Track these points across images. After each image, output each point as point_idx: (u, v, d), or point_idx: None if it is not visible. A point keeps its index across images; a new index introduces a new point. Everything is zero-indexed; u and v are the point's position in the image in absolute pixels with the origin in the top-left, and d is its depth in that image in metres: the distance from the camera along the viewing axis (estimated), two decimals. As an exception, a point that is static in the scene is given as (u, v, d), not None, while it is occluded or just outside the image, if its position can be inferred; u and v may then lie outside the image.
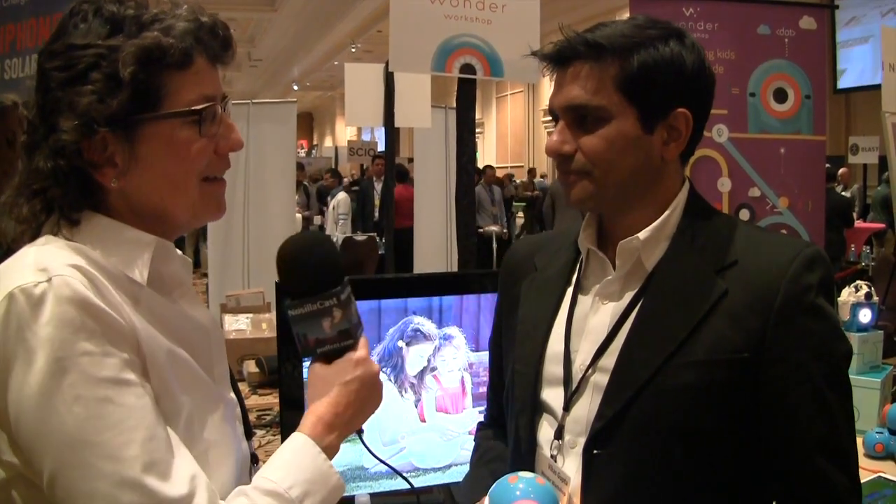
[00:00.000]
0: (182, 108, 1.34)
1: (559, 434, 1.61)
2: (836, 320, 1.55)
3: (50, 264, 1.22)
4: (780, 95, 4.92)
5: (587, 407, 1.58)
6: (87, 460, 1.17)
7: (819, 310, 1.50)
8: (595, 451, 1.54)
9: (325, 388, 1.43)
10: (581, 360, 1.61)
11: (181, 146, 1.35)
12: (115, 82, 1.28)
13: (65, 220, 1.31)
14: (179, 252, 1.46)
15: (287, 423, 2.05)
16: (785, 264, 1.50)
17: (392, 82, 7.82)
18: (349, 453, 2.08)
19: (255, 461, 1.64)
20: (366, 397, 1.45)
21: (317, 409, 1.41)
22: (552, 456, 1.61)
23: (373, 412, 1.49)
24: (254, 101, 8.76)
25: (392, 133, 8.23)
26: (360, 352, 1.46)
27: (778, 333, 1.48)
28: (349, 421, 1.43)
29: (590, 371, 1.59)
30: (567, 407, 1.61)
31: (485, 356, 2.18)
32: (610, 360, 1.56)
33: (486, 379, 2.18)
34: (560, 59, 1.58)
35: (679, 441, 1.50)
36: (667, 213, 1.59)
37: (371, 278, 2.25)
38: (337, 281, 1.46)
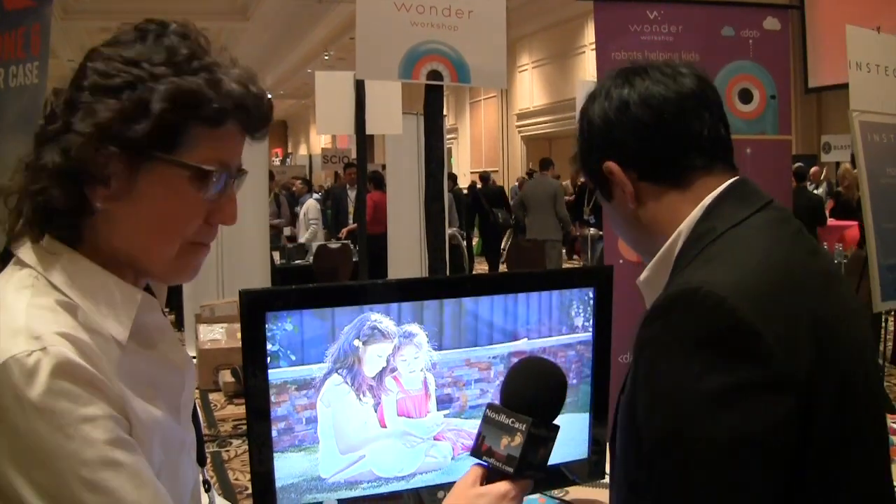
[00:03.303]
0: (193, 163, 1.32)
1: None
2: (661, 385, 1.34)
3: (42, 331, 1.20)
4: (745, 96, 4.96)
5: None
6: None
7: (642, 373, 1.40)
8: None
9: (463, 500, 1.50)
10: None
11: (178, 198, 1.33)
12: (143, 110, 1.26)
13: (50, 243, 1.31)
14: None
15: (254, 433, 2.04)
16: (649, 309, 1.43)
17: (363, 90, 7.82)
18: (304, 462, 2.06)
19: (207, 488, 1.65)
20: None
21: None
22: None
23: None
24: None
25: (363, 140, 8.22)
26: (513, 489, 1.49)
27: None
28: None
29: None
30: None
31: (449, 355, 2.17)
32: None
33: (451, 379, 2.18)
34: None
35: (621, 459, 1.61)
36: (661, 252, 1.56)
37: (340, 285, 2.29)
38: (542, 418, 1.49)
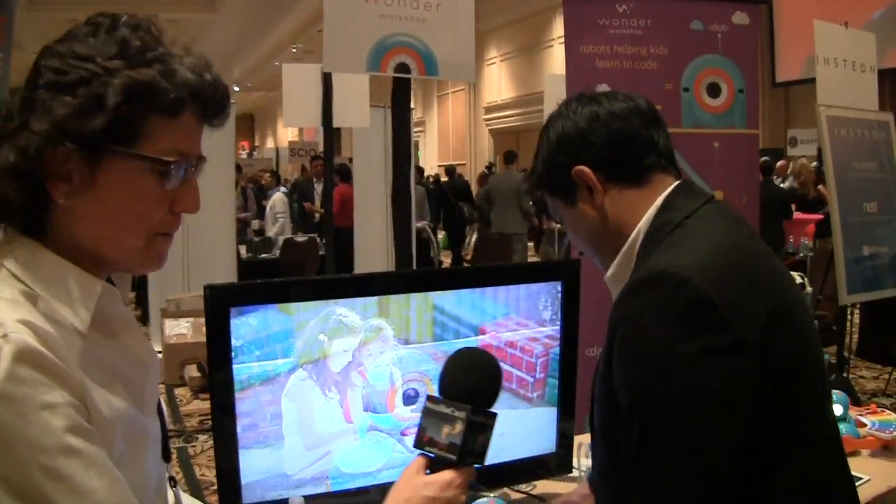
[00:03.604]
0: (152, 155, 1.31)
1: None
2: (638, 352, 1.54)
3: (3, 319, 1.19)
4: (714, 90, 4.96)
5: None
6: None
7: (619, 344, 1.58)
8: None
9: (408, 491, 1.52)
10: None
11: (139, 191, 1.32)
12: (98, 105, 1.25)
13: (9, 234, 1.30)
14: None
15: (219, 429, 2.02)
16: (622, 291, 1.62)
17: (330, 82, 7.79)
18: (268, 459, 2.05)
19: (173, 484, 1.64)
20: None
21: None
22: None
23: None
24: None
25: (330, 133, 8.19)
26: (457, 477, 1.52)
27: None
28: None
29: None
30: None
31: (416, 350, 2.16)
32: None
33: (416, 376, 2.17)
34: None
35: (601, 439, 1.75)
36: (625, 247, 1.75)
37: (312, 279, 2.26)
38: (481, 406, 1.54)
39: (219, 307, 1.94)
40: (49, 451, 1.16)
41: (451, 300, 2.19)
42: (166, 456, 1.60)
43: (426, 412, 1.55)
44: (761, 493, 1.54)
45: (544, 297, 2.28)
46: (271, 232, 13.24)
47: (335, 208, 10.97)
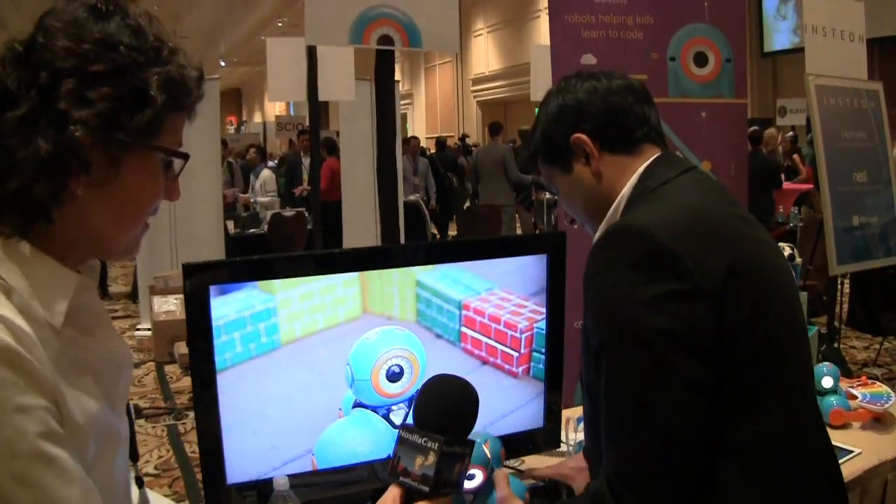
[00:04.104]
0: (173, 148, 1.35)
1: None
2: (605, 298, 1.67)
3: None
4: (701, 59, 4.92)
5: None
6: None
7: (588, 295, 1.70)
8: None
9: None
10: None
11: (152, 181, 1.35)
12: (143, 99, 1.26)
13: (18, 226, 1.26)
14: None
15: (202, 411, 2.00)
16: (592, 246, 1.74)
17: (314, 56, 7.73)
18: (253, 439, 2.03)
19: (140, 484, 1.62)
20: None
21: None
22: None
23: None
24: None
25: (316, 107, 8.13)
26: None
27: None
28: None
29: None
30: None
31: (399, 327, 2.14)
32: None
33: (401, 353, 2.14)
34: None
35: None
36: (609, 212, 1.87)
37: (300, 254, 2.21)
38: (455, 437, 1.55)
39: (198, 286, 1.91)
40: (21, 456, 1.13)
41: (434, 275, 2.16)
42: (133, 456, 1.57)
43: (400, 441, 1.55)
44: (729, 445, 1.62)
45: (529, 270, 2.25)
46: (261, 208, 13.15)
47: (325, 182, 10.92)
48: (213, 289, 1.93)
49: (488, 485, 1.90)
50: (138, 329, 9.13)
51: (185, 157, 1.38)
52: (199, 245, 8.79)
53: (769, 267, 1.74)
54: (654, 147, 1.92)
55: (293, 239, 10.99)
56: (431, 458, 1.51)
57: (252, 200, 13.33)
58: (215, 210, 9.39)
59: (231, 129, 31.81)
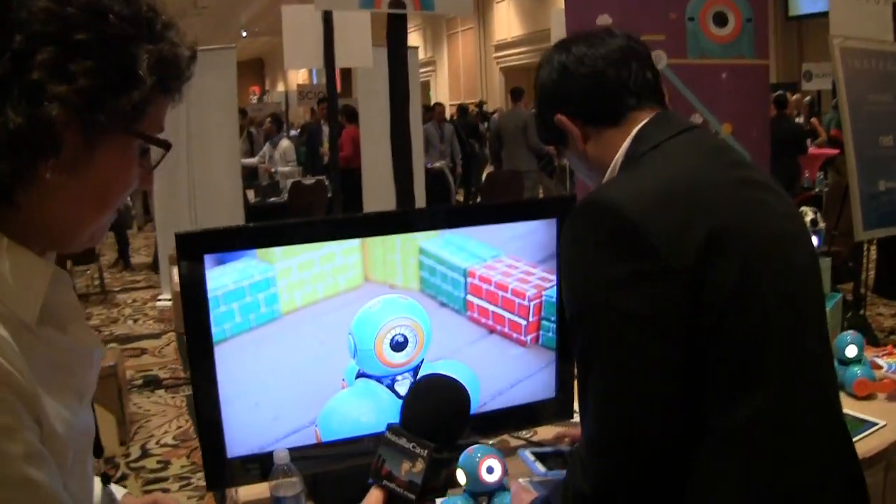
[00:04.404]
0: (155, 136, 1.20)
1: None
2: (573, 276, 1.63)
3: None
4: (720, 19, 4.80)
5: None
6: None
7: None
8: None
9: None
10: None
11: (128, 169, 1.19)
12: (131, 79, 1.12)
13: None
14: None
15: (200, 384, 1.96)
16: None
17: (331, 22, 7.66)
18: (254, 412, 2.00)
19: (106, 481, 1.55)
20: None
21: None
22: None
23: None
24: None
25: (333, 74, 8.07)
26: None
27: None
28: None
29: None
30: None
31: (402, 296, 2.11)
32: None
33: (404, 322, 2.10)
34: None
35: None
36: (605, 177, 1.81)
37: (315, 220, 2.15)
38: (444, 444, 1.51)
39: (191, 255, 1.87)
40: (7, 484, 1.04)
41: (438, 243, 2.12)
42: (97, 452, 1.50)
43: (386, 443, 1.52)
44: (718, 427, 1.55)
45: (537, 236, 2.19)
46: (282, 176, 13.10)
47: (347, 150, 10.89)
48: (209, 259, 1.89)
49: (501, 487, 1.88)
50: (159, 299, 9.15)
51: (168, 146, 1.22)
52: (219, 214, 8.73)
53: (767, 233, 1.64)
54: (640, 112, 1.81)
55: (313, 207, 10.95)
56: (420, 465, 1.46)
57: (273, 170, 13.27)
58: (234, 179, 9.36)
59: (254, 100, 31.74)
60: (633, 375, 1.53)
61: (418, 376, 2.05)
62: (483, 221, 2.18)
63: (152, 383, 6.71)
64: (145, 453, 5.37)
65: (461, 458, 1.86)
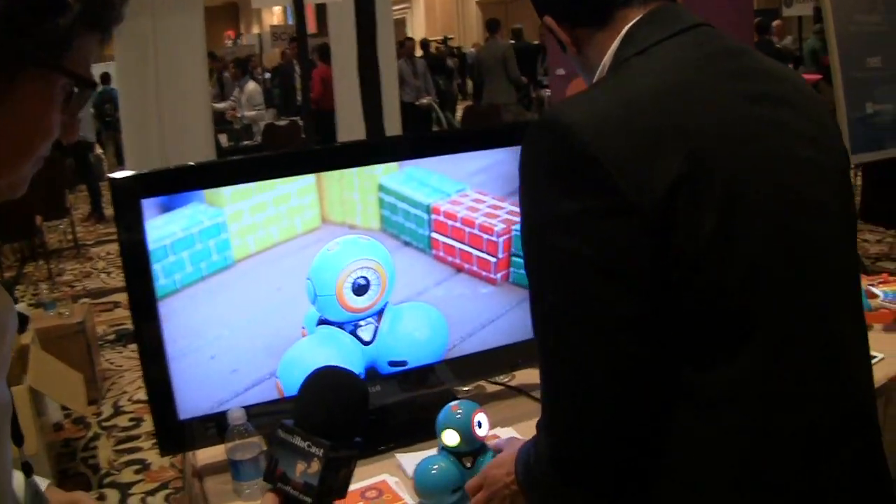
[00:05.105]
0: (81, 73, 1.04)
1: None
2: (522, 204, 1.41)
3: None
4: (700, -60, 4.67)
5: None
6: None
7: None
8: None
9: None
10: None
11: (50, 112, 1.04)
12: (56, 4, 0.98)
13: None
14: None
15: (144, 341, 1.88)
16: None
17: (298, -42, 7.47)
18: (207, 368, 1.90)
19: (28, 472, 1.41)
20: None
21: None
22: None
23: None
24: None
25: (301, 12, 7.88)
26: None
27: None
28: None
29: None
30: None
31: (363, 236, 2.01)
32: None
33: (366, 264, 2.01)
34: None
35: None
36: (593, 83, 1.57)
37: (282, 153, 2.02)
38: (342, 440, 1.35)
39: (127, 201, 1.73)
40: None
41: (398, 178, 2.01)
42: (17, 439, 1.34)
43: (279, 442, 1.36)
44: (693, 392, 1.34)
45: (503, 167, 2.08)
46: (250, 118, 12.94)
47: (316, 91, 10.69)
48: (153, 206, 1.78)
49: (484, 446, 1.83)
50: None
51: (94, 85, 1.07)
52: (191, 159, 8.57)
53: (772, 163, 1.39)
54: (629, 9, 1.52)
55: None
56: (315, 465, 1.33)
57: (239, 115, 13.05)
58: (205, 123, 9.19)
59: (229, 43, 31.43)
60: (588, 329, 1.32)
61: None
62: (444, 151, 2.06)
63: (124, 337, 6.59)
64: (118, 411, 5.29)
65: (447, 418, 1.81)
